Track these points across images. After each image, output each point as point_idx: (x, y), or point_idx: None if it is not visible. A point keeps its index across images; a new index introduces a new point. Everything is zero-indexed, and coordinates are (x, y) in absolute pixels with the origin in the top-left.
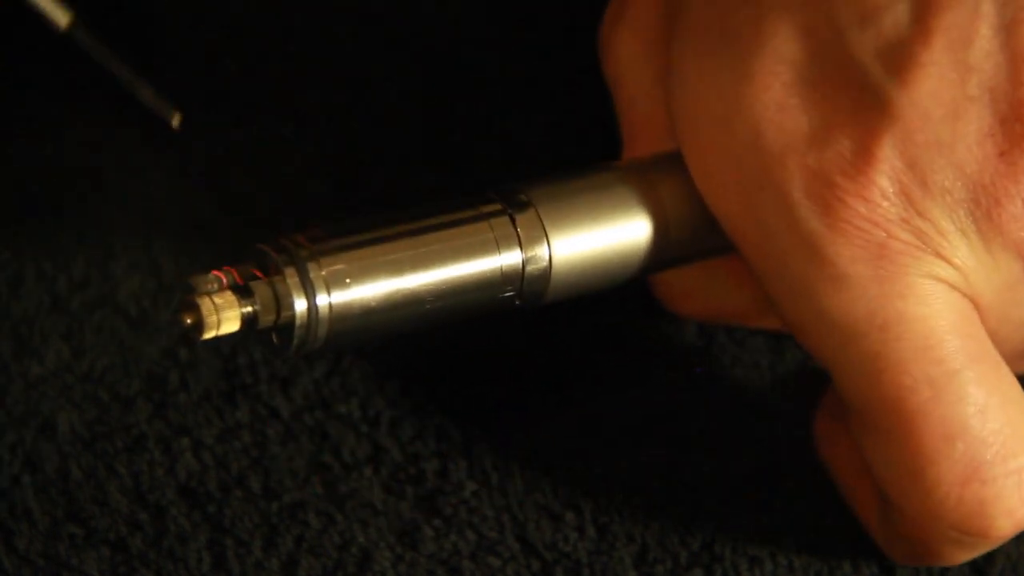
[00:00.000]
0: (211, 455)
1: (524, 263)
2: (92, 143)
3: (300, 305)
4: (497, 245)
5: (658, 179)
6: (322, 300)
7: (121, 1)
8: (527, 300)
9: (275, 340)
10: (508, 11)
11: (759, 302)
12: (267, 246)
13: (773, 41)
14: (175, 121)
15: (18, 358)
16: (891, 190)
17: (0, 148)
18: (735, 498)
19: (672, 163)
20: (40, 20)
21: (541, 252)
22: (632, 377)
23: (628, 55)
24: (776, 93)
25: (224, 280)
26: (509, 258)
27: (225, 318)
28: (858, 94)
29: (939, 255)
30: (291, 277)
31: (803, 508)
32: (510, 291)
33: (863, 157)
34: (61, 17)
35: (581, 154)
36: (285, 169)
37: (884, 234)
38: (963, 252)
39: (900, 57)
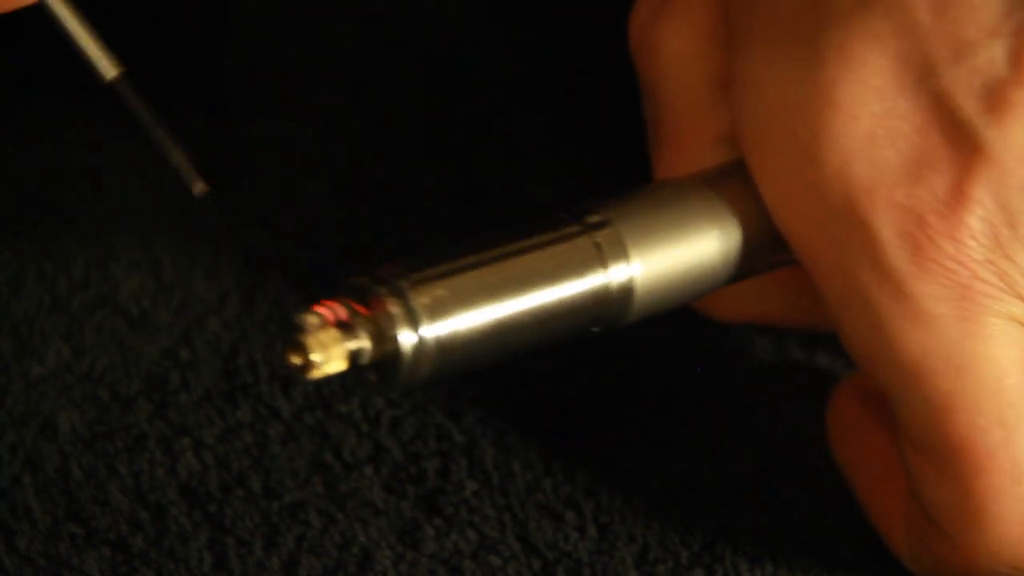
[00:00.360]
0: (212, 455)
1: (607, 286)
2: (92, 143)
3: (407, 339)
4: (584, 268)
5: (729, 194)
6: (427, 332)
7: (121, 2)
8: (607, 324)
9: (374, 378)
10: (508, 11)
11: (809, 311)
12: (365, 278)
13: (862, 69)
14: (197, 189)
15: (19, 358)
16: (980, 231)
17: (0, 148)
18: (736, 498)
19: (738, 176)
20: (86, 66)
21: (623, 272)
22: (632, 377)
23: (677, 53)
24: (865, 124)
25: (328, 316)
26: (596, 279)
27: (332, 355)
28: (951, 131)
29: (1019, 295)
30: (396, 309)
31: (804, 508)
32: (597, 314)
33: (956, 197)
34: (110, 69)
35: (581, 154)
36: (285, 169)
37: (969, 274)
38: None
39: (995, 96)
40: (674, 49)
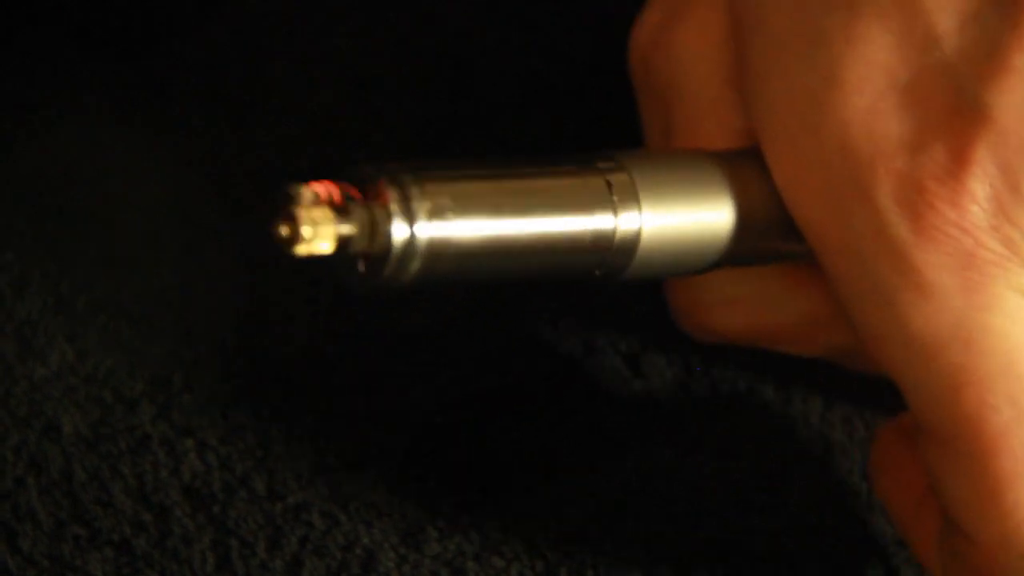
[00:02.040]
0: (215, 456)
1: (615, 228)
2: (94, 144)
3: (399, 232)
4: (592, 206)
5: (742, 171)
6: (421, 231)
7: (121, 2)
8: (608, 270)
9: (362, 269)
10: (508, 11)
11: (812, 316)
12: (370, 167)
13: (866, 46)
14: None
15: (22, 359)
16: (982, 195)
17: (1, 149)
18: (739, 498)
19: (754, 159)
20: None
21: (632, 220)
22: (634, 377)
23: (692, 55)
24: (867, 97)
25: (322, 194)
26: (602, 221)
27: (321, 234)
28: (953, 99)
29: None
30: (394, 202)
31: (807, 508)
32: (596, 257)
33: (956, 162)
34: None
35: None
36: (285, 169)
37: (973, 241)
38: None
39: (995, 62)
40: (691, 51)
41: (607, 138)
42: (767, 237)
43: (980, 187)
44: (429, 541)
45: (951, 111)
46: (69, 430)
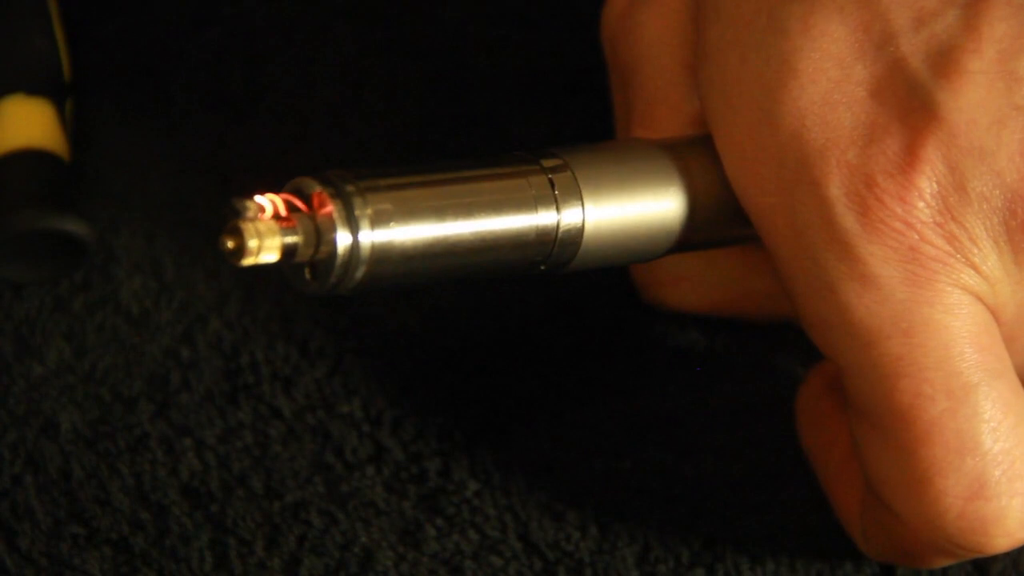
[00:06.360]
0: (213, 455)
1: (558, 224)
2: (93, 143)
3: (342, 240)
4: (535, 203)
5: (691, 160)
6: (364, 238)
7: (121, 2)
8: (553, 264)
9: (309, 276)
10: (508, 11)
11: (758, 293)
12: (313, 179)
13: (823, 39)
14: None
15: (20, 358)
16: (929, 193)
17: None
18: (737, 497)
19: (703, 147)
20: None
21: (575, 215)
22: (633, 377)
23: (653, 38)
24: (822, 88)
25: (267, 207)
26: (545, 217)
27: (266, 246)
28: (905, 97)
29: (969, 263)
30: (337, 211)
31: (804, 507)
32: (541, 253)
33: (906, 158)
34: None
35: None
36: (285, 169)
37: (917, 236)
38: (992, 261)
39: (950, 63)
40: (652, 34)
41: (607, 138)
42: (716, 224)
43: (927, 184)
44: (427, 540)
45: (904, 108)
46: (67, 428)
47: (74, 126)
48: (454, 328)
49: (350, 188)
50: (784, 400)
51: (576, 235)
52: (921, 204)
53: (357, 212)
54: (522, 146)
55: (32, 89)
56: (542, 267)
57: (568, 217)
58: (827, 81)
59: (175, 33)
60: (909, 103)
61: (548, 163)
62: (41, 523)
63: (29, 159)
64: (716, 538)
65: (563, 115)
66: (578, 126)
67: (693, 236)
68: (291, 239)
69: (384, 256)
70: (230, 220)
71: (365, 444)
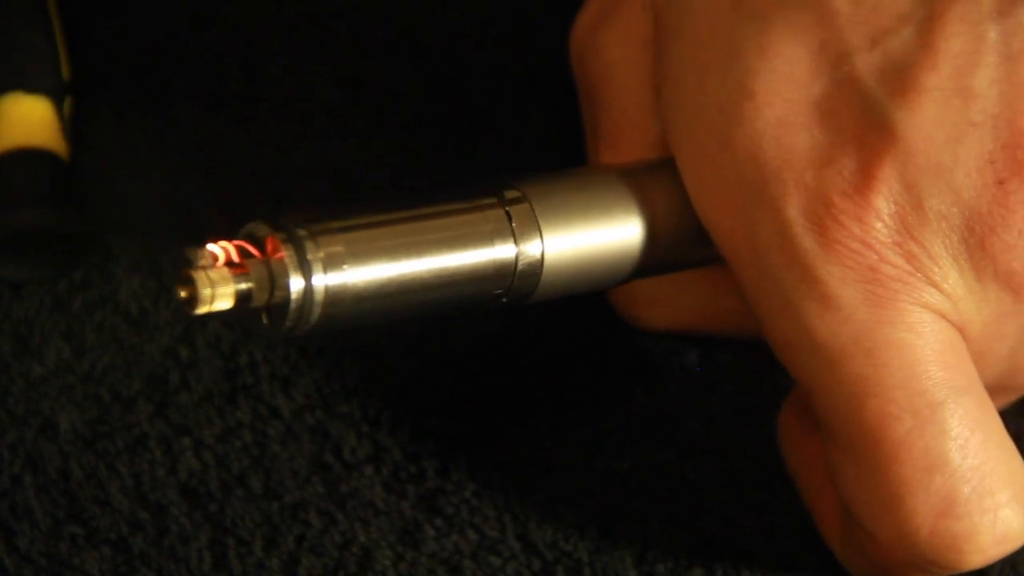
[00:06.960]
0: (212, 455)
1: (517, 257)
2: (93, 143)
3: (296, 285)
4: (491, 238)
5: (651, 185)
6: (318, 281)
7: (121, 2)
8: (515, 297)
9: (266, 320)
10: (508, 11)
11: (730, 312)
12: (264, 224)
13: (777, 59)
14: None
15: (19, 358)
16: (886, 212)
17: None
18: (736, 498)
19: (665, 170)
20: None
21: (534, 248)
22: (632, 377)
23: (616, 58)
24: (778, 110)
25: (220, 255)
26: (503, 251)
27: (219, 294)
28: (861, 116)
29: (930, 281)
30: (288, 257)
31: (803, 508)
32: (500, 287)
33: (862, 178)
34: None
35: (581, 154)
36: (285, 169)
37: (876, 257)
38: (953, 279)
39: (905, 80)
40: (616, 54)
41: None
42: (681, 247)
43: (884, 204)
44: (426, 539)
45: (860, 127)
46: (66, 428)
47: (73, 125)
48: (453, 328)
49: (302, 232)
50: (784, 400)
51: (536, 267)
52: (879, 224)
53: (309, 256)
54: (521, 146)
55: (31, 87)
56: (504, 300)
57: (528, 249)
58: (783, 102)
59: (174, 33)
60: (865, 122)
61: (508, 194)
62: (40, 523)
63: (27, 158)
64: (716, 538)
65: (563, 115)
66: (578, 126)
67: (657, 260)
68: (244, 285)
69: (338, 299)
70: (183, 269)
71: (364, 444)
